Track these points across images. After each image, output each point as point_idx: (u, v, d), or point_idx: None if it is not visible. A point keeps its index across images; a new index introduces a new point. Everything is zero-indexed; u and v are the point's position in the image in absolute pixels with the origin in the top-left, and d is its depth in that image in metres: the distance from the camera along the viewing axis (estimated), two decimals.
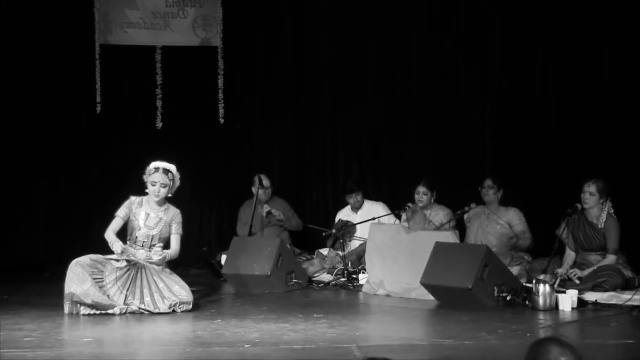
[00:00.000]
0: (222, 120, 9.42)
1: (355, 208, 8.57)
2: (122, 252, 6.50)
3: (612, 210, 7.11)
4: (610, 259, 6.99)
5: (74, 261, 6.39)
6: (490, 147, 8.89)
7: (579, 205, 7.14)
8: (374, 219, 8.09)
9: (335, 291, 7.60)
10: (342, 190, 8.75)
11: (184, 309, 6.40)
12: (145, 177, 6.70)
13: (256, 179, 8.67)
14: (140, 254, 6.61)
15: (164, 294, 6.41)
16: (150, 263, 6.57)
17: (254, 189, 8.69)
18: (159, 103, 9.32)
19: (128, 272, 6.47)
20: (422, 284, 6.73)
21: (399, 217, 8.22)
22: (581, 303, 6.41)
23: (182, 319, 6.18)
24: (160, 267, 6.60)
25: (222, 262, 8.02)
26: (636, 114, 8.16)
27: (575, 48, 8.45)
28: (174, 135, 9.35)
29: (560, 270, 7.00)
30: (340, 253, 8.11)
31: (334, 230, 8.30)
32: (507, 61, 8.76)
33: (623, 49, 8.26)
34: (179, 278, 6.56)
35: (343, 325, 5.84)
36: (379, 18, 9.18)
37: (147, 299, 6.39)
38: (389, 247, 7.29)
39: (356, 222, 8.38)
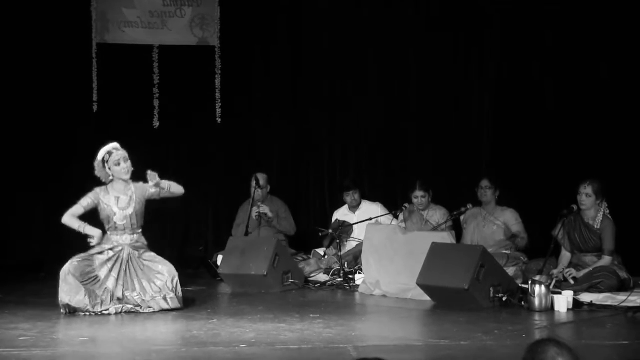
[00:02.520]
0: (220, 119, 9.42)
1: (353, 207, 8.57)
2: (98, 240, 6.51)
3: (608, 211, 7.11)
4: (606, 260, 7.00)
5: (64, 270, 6.37)
6: (488, 148, 8.89)
7: (575, 207, 7.14)
8: (371, 219, 8.09)
9: (332, 291, 7.60)
10: (340, 189, 8.75)
11: (171, 295, 6.41)
12: (100, 171, 6.65)
13: (253, 178, 8.66)
14: (124, 240, 6.62)
15: (151, 278, 6.45)
16: (135, 248, 6.58)
17: (252, 189, 8.68)
18: (156, 102, 9.31)
19: (118, 259, 6.50)
20: (419, 284, 6.73)
21: (396, 217, 8.21)
22: (577, 304, 6.41)
23: (178, 319, 6.17)
24: (143, 250, 6.61)
25: (219, 262, 8.02)
26: (633, 115, 8.15)
27: (574, 50, 8.42)
28: (171, 134, 9.35)
29: (555, 271, 7.00)
30: (337, 252, 8.11)
31: (330, 231, 8.29)
32: (505, 61, 8.74)
33: (621, 52, 8.22)
34: (160, 258, 6.59)
35: (339, 325, 5.84)
36: (378, 18, 9.18)
37: (137, 286, 6.42)
38: (386, 247, 7.29)
39: (353, 222, 8.38)
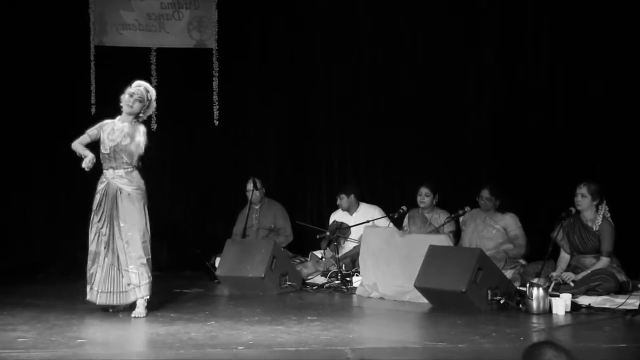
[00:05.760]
0: (217, 122, 9.43)
1: (345, 210, 8.57)
2: (88, 162, 6.37)
3: (609, 215, 7.12)
4: (604, 261, 7.00)
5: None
6: (490, 149, 8.84)
7: (573, 209, 7.15)
8: (368, 221, 8.09)
9: (329, 294, 7.60)
10: (336, 192, 8.75)
11: (140, 295, 6.38)
12: (122, 96, 6.57)
13: (250, 181, 8.67)
14: (109, 174, 6.48)
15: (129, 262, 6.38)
16: (118, 184, 6.43)
17: (248, 192, 8.69)
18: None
19: (105, 195, 6.44)
20: (416, 287, 6.74)
21: (393, 220, 8.18)
22: (575, 307, 6.41)
23: (176, 321, 6.17)
24: (130, 190, 6.42)
25: (216, 264, 8.02)
26: (635, 117, 8.10)
27: (575, 54, 8.37)
28: (169, 137, 9.34)
29: (554, 274, 7.01)
30: (334, 254, 8.11)
31: (328, 232, 8.30)
32: (508, 63, 8.67)
33: (623, 44, 8.08)
34: (139, 236, 6.37)
35: (336, 327, 5.84)
36: (375, 19, 9.18)
37: (122, 257, 6.37)
38: (383, 250, 7.29)
39: (351, 224, 8.38)
